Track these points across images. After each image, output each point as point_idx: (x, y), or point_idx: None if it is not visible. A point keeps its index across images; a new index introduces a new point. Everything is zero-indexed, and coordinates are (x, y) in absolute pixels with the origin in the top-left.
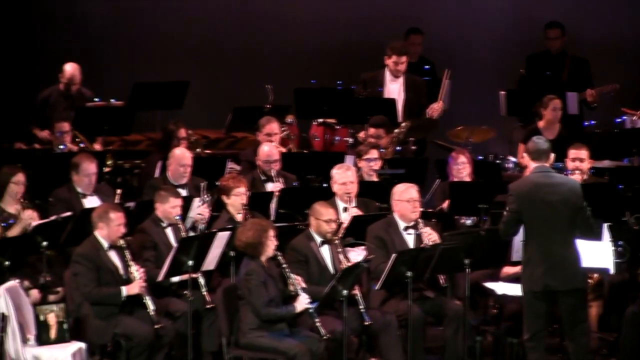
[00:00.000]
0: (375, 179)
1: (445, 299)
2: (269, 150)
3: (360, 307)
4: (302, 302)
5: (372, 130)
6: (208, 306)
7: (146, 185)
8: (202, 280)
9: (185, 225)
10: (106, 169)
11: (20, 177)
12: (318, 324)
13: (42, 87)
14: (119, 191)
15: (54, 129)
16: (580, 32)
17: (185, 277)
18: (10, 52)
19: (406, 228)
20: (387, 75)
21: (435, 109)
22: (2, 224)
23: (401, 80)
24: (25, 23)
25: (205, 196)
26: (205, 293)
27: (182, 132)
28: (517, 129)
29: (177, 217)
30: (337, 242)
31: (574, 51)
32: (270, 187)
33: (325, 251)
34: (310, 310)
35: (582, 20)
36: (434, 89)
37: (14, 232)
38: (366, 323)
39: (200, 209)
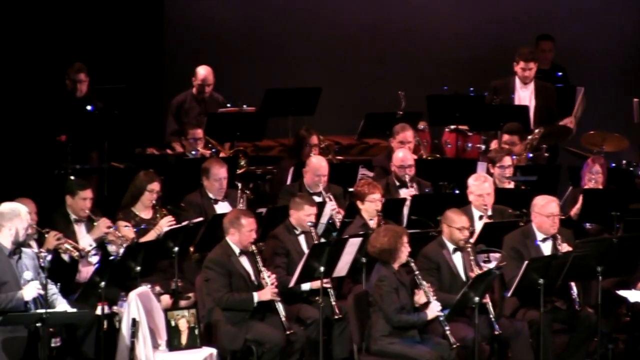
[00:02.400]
0: (507, 185)
1: (577, 306)
2: (404, 155)
3: (491, 316)
4: (434, 310)
5: (506, 137)
6: (337, 317)
7: (281, 191)
8: (331, 291)
9: (318, 231)
10: (239, 170)
11: (155, 185)
12: (448, 332)
13: (174, 93)
14: (246, 192)
15: (188, 134)
16: None
17: (316, 284)
18: (142, 57)
19: (543, 240)
20: (517, 82)
21: (568, 122)
22: (134, 229)
23: (532, 86)
24: (157, 28)
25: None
26: (334, 303)
27: (314, 139)
28: None
29: (309, 224)
30: (469, 249)
31: None
32: (404, 193)
33: (457, 258)
34: (441, 318)
35: None
36: (566, 96)
37: (148, 237)
38: (496, 333)
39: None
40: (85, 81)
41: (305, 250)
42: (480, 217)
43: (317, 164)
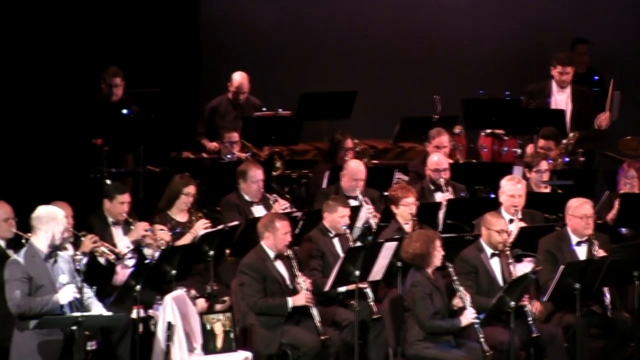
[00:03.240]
0: (543, 190)
1: (613, 311)
2: (439, 159)
3: (529, 319)
4: (468, 317)
5: (542, 142)
6: (375, 317)
7: (318, 194)
8: (369, 291)
9: (353, 235)
10: (275, 172)
11: (191, 189)
12: (482, 339)
13: (209, 97)
14: (281, 201)
15: (223, 138)
16: None
17: (352, 286)
18: (178, 61)
19: (578, 243)
20: (554, 86)
21: (603, 119)
22: (170, 233)
23: (568, 91)
24: (193, 32)
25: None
26: (372, 304)
27: (349, 143)
28: None
29: (344, 227)
30: (507, 253)
31: None
32: (439, 197)
33: (494, 263)
34: (476, 326)
35: None
36: (602, 100)
37: (184, 240)
38: (534, 335)
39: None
40: (120, 85)
41: (340, 252)
42: (511, 221)
43: (355, 168)
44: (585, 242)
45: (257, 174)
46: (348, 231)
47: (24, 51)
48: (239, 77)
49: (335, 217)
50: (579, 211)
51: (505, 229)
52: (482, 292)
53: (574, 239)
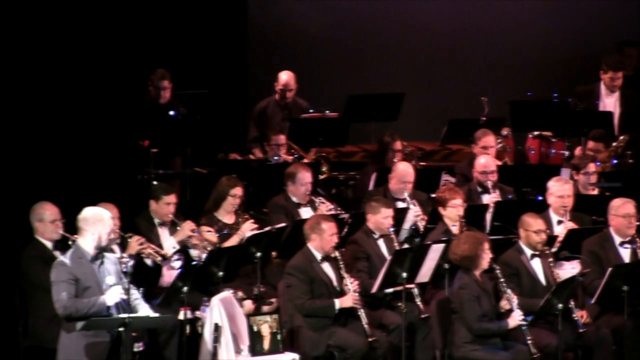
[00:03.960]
0: (591, 192)
1: None
2: (486, 161)
3: (574, 315)
4: (516, 319)
5: (591, 144)
6: (423, 316)
7: (366, 196)
8: (416, 291)
9: (400, 237)
10: (322, 176)
11: (238, 191)
12: (530, 341)
13: (257, 99)
14: (327, 203)
15: (270, 140)
16: None
17: (399, 288)
18: (225, 63)
19: (622, 243)
20: (603, 88)
21: None
22: (217, 234)
23: (617, 94)
24: (240, 34)
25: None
26: (419, 303)
27: (398, 144)
28: None
29: (391, 229)
30: (547, 253)
31: None
32: (486, 199)
33: (536, 264)
34: (523, 328)
35: None
36: None
37: (231, 242)
38: (580, 330)
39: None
40: (168, 87)
41: (386, 254)
42: (559, 222)
43: (404, 171)
44: (628, 242)
45: (305, 176)
46: (393, 233)
47: (74, 53)
48: (285, 76)
49: (379, 219)
50: (622, 210)
51: (542, 229)
52: (525, 294)
53: (617, 239)
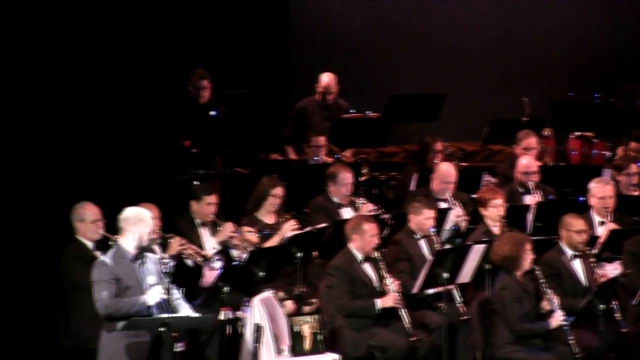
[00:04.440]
0: (633, 193)
1: None
2: (528, 162)
3: (616, 314)
4: (557, 319)
5: (633, 144)
6: (463, 317)
7: (408, 196)
8: (456, 293)
9: (441, 237)
10: (362, 178)
11: (279, 191)
12: (572, 341)
13: (298, 98)
14: (368, 203)
15: (310, 142)
16: None
17: (440, 289)
18: (267, 63)
19: None
20: None
21: None
22: (258, 234)
23: None
24: (283, 34)
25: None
26: (459, 305)
27: (439, 145)
28: None
29: (432, 230)
30: (588, 253)
31: None
32: (527, 199)
33: (577, 264)
34: (565, 328)
35: None
36: None
37: (271, 242)
38: (623, 330)
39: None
40: (207, 87)
41: (427, 254)
42: (601, 223)
43: (446, 171)
44: None
45: (347, 176)
46: (435, 233)
47: (116, 54)
48: (326, 78)
49: (421, 219)
50: None
51: (584, 229)
52: (566, 295)
53: None
